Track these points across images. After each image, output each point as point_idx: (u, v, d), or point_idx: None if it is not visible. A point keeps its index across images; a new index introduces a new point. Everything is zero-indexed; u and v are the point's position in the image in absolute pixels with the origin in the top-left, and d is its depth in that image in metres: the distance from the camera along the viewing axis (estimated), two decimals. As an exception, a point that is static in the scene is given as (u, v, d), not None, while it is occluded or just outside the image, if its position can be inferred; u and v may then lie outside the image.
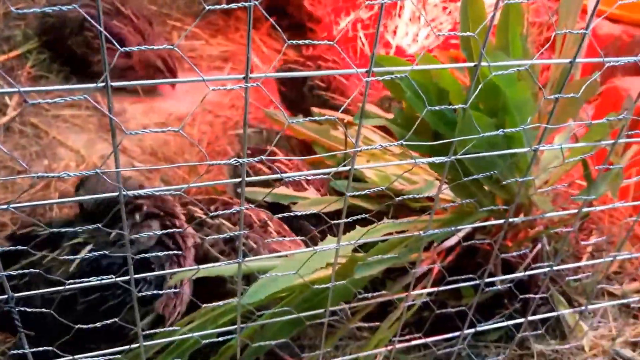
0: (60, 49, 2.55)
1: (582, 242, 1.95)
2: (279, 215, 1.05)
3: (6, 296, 0.91)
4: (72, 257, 1.26)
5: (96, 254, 1.00)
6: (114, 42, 0.77)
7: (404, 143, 0.98)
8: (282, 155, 1.83)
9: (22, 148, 2.17)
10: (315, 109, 1.95)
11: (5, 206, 0.81)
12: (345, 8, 2.62)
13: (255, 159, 0.92)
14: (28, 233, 1.40)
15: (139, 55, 2.43)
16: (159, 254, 1.24)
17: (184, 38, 2.90)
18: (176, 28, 2.95)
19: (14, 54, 2.56)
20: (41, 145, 2.20)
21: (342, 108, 0.93)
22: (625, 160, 1.72)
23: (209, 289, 1.43)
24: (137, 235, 1.00)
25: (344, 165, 0.98)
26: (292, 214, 1.04)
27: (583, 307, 1.68)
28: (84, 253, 1.30)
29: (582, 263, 1.86)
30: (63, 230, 1.04)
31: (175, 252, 1.35)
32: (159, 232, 1.22)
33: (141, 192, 0.96)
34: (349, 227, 1.49)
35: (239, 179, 0.95)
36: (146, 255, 1.03)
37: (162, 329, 1.15)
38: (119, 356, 1.06)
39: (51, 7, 0.68)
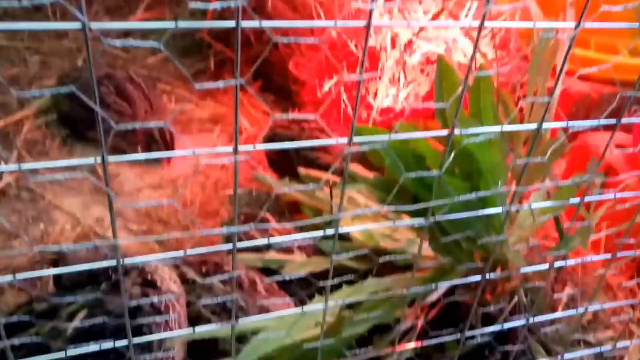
0: (72, 103, 2.56)
1: (556, 295, 1.97)
2: (269, 279, 1.08)
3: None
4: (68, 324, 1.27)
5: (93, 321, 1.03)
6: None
7: (386, 208, 1.02)
8: (273, 220, 1.85)
9: (18, 212, 2.18)
10: (302, 170, 1.98)
11: (10, 278, 0.83)
12: (328, 71, 2.69)
13: (246, 227, 0.96)
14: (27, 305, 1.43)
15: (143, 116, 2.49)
16: (155, 319, 1.26)
17: (175, 101, 2.95)
18: (166, 91, 3.00)
19: (10, 120, 2.58)
20: (37, 209, 2.21)
21: (321, 181, 0.96)
22: (597, 217, 1.77)
23: (203, 347, 1.44)
24: (133, 303, 1.02)
25: (330, 226, 1.01)
26: (281, 277, 1.07)
27: (560, 356, 1.70)
28: (78, 319, 1.32)
29: (558, 314, 1.88)
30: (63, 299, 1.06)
31: (166, 316, 1.37)
32: (155, 299, 1.24)
33: (138, 260, 0.98)
34: (336, 285, 1.52)
35: (230, 246, 0.98)
36: (142, 322, 1.05)
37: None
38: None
39: (51, 90, 0.72)
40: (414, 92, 2.54)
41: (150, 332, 1.35)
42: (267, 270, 1.67)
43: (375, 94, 2.53)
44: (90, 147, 2.58)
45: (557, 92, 1.76)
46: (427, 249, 1.63)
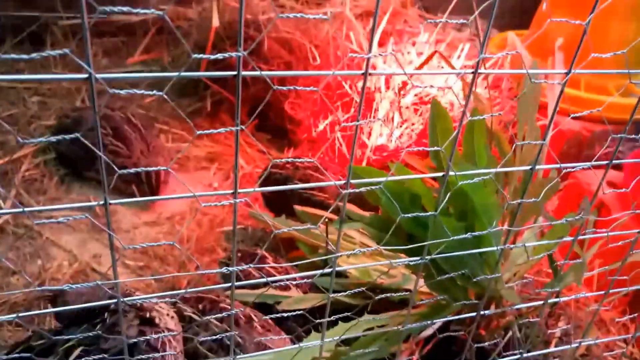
0: (68, 147, 2.59)
1: (550, 330, 1.98)
2: (267, 317, 1.09)
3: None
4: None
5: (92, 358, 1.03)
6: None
7: (382, 248, 1.03)
8: (271, 259, 1.86)
9: (15, 249, 2.18)
10: (298, 208, 2.00)
11: (12, 316, 0.84)
12: (323, 111, 2.72)
13: (244, 266, 0.97)
14: (25, 342, 1.43)
15: (135, 163, 2.50)
16: (153, 356, 1.26)
17: (171, 140, 2.97)
18: (164, 130, 3.03)
19: (8, 159, 2.59)
20: (34, 245, 2.21)
21: (319, 220, 0.98)
22: (591, 254, 1.78)
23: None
24: (131, 341, 1.02)
25: (326, 264, 1.02)
26: (278, 315, 1.07)
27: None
28: (74, 355, 1.32)
29: (552, 349, 1.89)
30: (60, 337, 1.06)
31: (163, 353, 1.37)
32: (152, 336, 1.24)
33: (137, 299, 0.99)
34: (333, 321, 1.52)
35: (229, 284, 0.99)
36: (140, 357, 1.05)
37: None
38: None
39: (55, 137, 0.74)
40: (407, 131, 2.57)
41: None
42: (263, 307, 1.68)
43: (370, 133, 2.56)
44: (88, 185, 2.59)
45: (550, 134, 1.79)
46: (422, 286, 1.64)
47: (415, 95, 2.60)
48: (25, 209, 0.77)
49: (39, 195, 2.46)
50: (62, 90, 3.18)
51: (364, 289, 1.11)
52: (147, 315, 1.44)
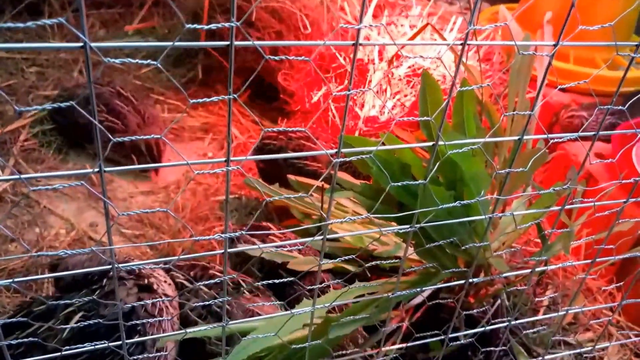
0: (66, 117, 2.59)
1: (538, 298, 2.00)
2: (267, 282, 1.10)
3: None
4: (65, 327, 1.29)
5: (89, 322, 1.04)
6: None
7: (372, 216, 1.04)
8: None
9: (14, 217, 2.19)
10: (291, 177, 2.00)
11: (8, 281, 0.85)
12: (317, 82, 2.71)
13: (237, 233, 0.97)
14: (27, 308, 1.44)
15: (133, 129, 2.49)
16: (150, 320, 1.27)
17: (167, 111, 2.96)
18: (159, 101, 3.02)
19: (7, 128, 2.59)
20: (32, 214, 2.22)
21: (310, 189, 0.98)
22: (578, 224, 1.79)
23: (192, 349, 1.46)
24: (128, 305, 1.03)
25: (320, 233, 1.03)
26: (266, 282, 1.09)
27: (541, 357, 1.72)
28: (74, 321, 1.33)
29: (539, 317, 1.91)
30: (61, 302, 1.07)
31: (160, 317, 1.39)
32: (149, 300, 1.25)
33: (133, 265, 1.00)
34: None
35: (222, 251, 0.99)
36: (137, 322, 1.06)
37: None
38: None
39: (52, 105, 0.74)
40: (399, 103, 2.56)
41: (145, 333, 1.37)
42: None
43: (362, 105, 2.55)
44: (84, 155, 2.59)
45: (538, 105, 1.79)
46: (413, 254, 1.66)
47: (409, 67, 2.59)
48: (22, 176, 0.77)
49: (36, 165, 2.46)
50: (60, 61, 3.16)
51: (354, 256, 1.12)
52: (145, 282, 1.45)
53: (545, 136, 1.16)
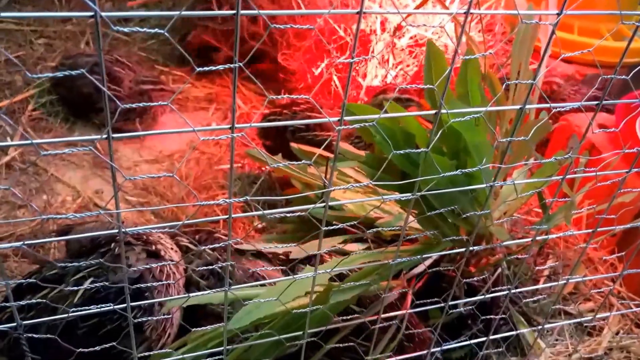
0: (69, 89, 2.60)
1: (538, 267, 2.01)
2: (269, 247, 1.11)
3: (16, 324, 0.95)
4: (75, 288, 1.31)
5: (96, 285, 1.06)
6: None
7: (374, 183, 1.05)
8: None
9: (22, 184, 2.22)
10: (294, 145, 1.99)
11: (18, 244, 0.86)
12: (319, 55, 2.70)
13: (242, 198, 0.98)
14: (35, 274, 1.46)
15: (128, 89, 2.50)
16: (154, 284, 1.29)
17: (172, 82, 2.96)
18: (164, 72, 3.02)
19: (16, 98, 2.61)
20: (40, 181, 2.25)
21: (313, 156, 0.99)
22: (581, 195, 1.79)
23: (194, 309, 1.49)
24: (134, 269, 1.04)
25: (321, 200, 1.04)
26: (270, 247, 1.10)
27: (541, 326, 1.74)
28: (85, 285, 1.36)
29: (540, 286, 1.92)
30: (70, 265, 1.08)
31: (167, 282, 1.41)
32: (156, 264, 1.27)
33: (139, 229, 1.01)
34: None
35: (227, 216, 1.00)
36: (143, 287, 1.08)
37: (155, 352, 1.20)
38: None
39: (62, 72, 0.74)
40: (402, 73, 2.55)
41: (152, 297, 1.39)
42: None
43: (365, 75, 2.54)
44: (89, 125, 2.61)
45: (541, 74, 1.78)
46: (413, 221, 1.67)
47: (411, 37, 2.57)
48: (34, 142, 0.78)
49: (44, 134, 2.48)
50: (67, 33, 3.19)
51: (356, 222, 1.13)
52: (153, 248, 1.47)
53: (547, 105, 1.16)
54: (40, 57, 2.96)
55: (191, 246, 1.60)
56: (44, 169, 2.30)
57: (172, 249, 1.52)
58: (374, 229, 1.26)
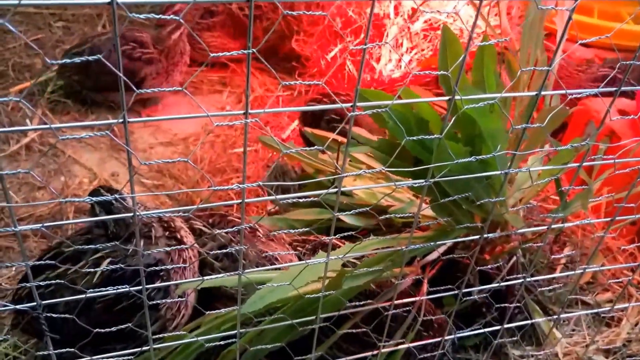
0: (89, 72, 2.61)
1: (555, 256, 2.00)
2: (284, 231, 1.13)
3: (35, 303, 0.99)
4: (94, 269, 1.35)
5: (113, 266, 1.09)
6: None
7: (386, 169, 1.06)
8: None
9: (41, 166, 2.27)
10: (307, 129, 2.00)
11: (39, 225, 0.89)
12: (333, 41, 2.71)
13: (255, 184, 1.00)
14: (55, 250, 1.49)
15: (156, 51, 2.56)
16: (171, 266, 1.33)
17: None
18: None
19: (35, 81, 2.68)
20: (58, 163, 2.30)
21: (325, 142, 0.99)
22: (599, 182, 1.78)
23: (209, 290, 1.52)
24: (150, 252, 1.07)
25: (334, 186, 1.05)
26: (286, 230, 1.12)
27: (556, 316, 1.74)
28: (104, 266, 1.39)
29: (556, 275, 1.92)
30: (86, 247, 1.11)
31: (182, 265, 1.44)
32: (172, 248, 1.30)
33: (153, 212, 1.03)
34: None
35: (239, 201, 1.02)
36: (157, 268, 1.10)
37: (169, 334, 1.23)
38: (131, 357, 1.13)
39: (74, 58, 0.76)
40: (416, 57, 2.55)
41: (169, 279, 1.42)
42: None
43: (379, 59, 2.55)
44: (104, 106, 2.66)
45: (557, 60, 1.77)
46: (428, 211, 1.67)
47: (425, 21, 2.57)
48: (52, 126, 0.80)
49: (62, 116, 2.53)
50: (85, 16, 3.24)
51: (368, 208, 1.14)
52: (177, 236, 1.51)
53: (563, 92, 1.16)
54: (59, 39, 3.02)
55: (205, 229, 1.63)
56: (62, 151, 2.35)
57: (190, 234, 1.56)
58: (387, 215, 1.27)
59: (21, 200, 2.07)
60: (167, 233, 1.50)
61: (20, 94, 2.59)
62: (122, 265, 1.37)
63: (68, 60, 0.76)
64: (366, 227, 1.75)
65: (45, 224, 0.89)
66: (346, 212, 1.08)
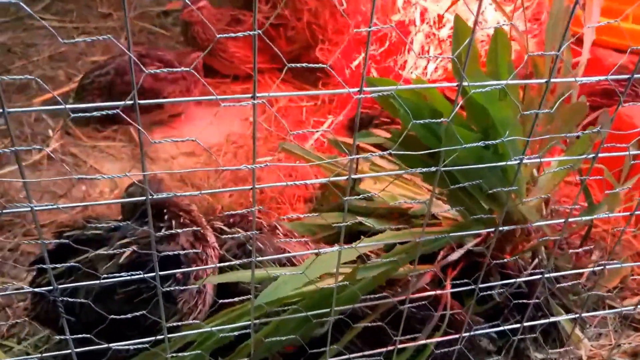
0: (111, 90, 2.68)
1: (576, 251, 1.98)
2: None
3: (52, 287, 1.03)
4: (113, 251, 1.40)
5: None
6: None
7: (395, 152, 1.09)
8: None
9: (62, 175, 2.33)
10: (329, 135, 2.04)
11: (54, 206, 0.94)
12: (357, 49, 2.75)
13: (263, 164, 1.04)
14: (81, 228, 1.55)
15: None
16: (189, 269, 1.37)
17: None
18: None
19: (58, 92, 2.77)
20: (80, 172, 2.37)
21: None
22: (628, 185, 1.78)
23: (227, 289, 1.56)
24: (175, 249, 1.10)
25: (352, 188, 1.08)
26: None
27: (578, 315, 1.73)
28: (128, 252, 1.45)
29: (582, 274, 1.90)
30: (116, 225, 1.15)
31: (205, 260, 1.50)
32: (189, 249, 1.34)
33: (165, 195, 1.08)
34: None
35: (250, 187, 1.06)
36: (178, 252, 1.13)
37: (185, 322, 1.26)
38: (147, 346, 1.16)
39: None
40: (442, 65, 2.58)
41: (189, 274, 1.49)
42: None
43: (404, 66, 2.58)
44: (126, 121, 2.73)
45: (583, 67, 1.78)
46: (446, 210, 1.69)
47: (451, 28, 2.60)
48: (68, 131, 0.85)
49: (83, 127, 2.61)
50: (108, 29, 3.34)
51: (387, 209, 1.17)
52: (201, 232, 1.56)
53: (573, 79, 1.18)
54: (82, 52, 3.13)
55: (225, 228, 1.68)
56: (84, 161, 2.42)
57: (213, 235, 1.62)
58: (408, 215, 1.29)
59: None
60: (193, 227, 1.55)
61: (42, 105, 2.68)
62: (135, 248, 1.41)
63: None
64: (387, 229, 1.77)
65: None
66: (356, 197, 1.10)
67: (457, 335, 1.48)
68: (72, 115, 0.88)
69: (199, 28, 2.91)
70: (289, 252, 1.60)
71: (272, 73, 3.11)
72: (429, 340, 1.49)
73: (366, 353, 1.42)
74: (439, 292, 1.46)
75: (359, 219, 1.70)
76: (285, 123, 2.76)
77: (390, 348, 1.44)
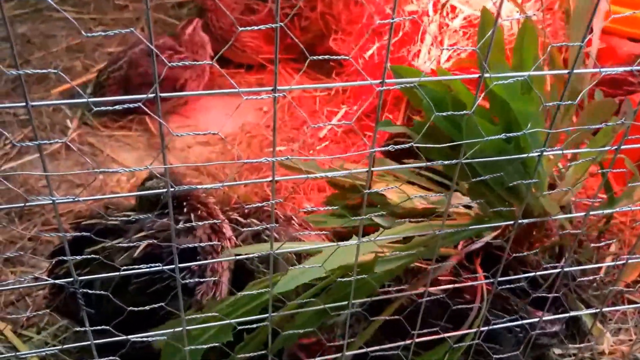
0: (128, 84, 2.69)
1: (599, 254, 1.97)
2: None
3: (72, 279, 1.03)
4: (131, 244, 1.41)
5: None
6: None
7: (416, 144, 1.08)
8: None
9: (80, 164, 2.36)
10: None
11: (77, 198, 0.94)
12: (371, 39, 2.74)
13: (284, 157, 1.04)
14: (93, 225, 1.55)
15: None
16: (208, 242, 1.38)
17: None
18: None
19: (75, 82, 2.79)
20: (97, 162, 2.40)
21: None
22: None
23: (241, 277, 1.56)
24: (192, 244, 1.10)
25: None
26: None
27: (599, 309, 1.72)
28: (144, 244, 1.46)
29: (602, 267, 1.89)
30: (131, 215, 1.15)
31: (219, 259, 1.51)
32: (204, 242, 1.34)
33: (186, 187, 1.08)
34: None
35: (269, 179, 1.06)
36: (196, 244, 1.14)
37: (202, 314, 1.26)
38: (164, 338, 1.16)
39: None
40: (455, 55, 2.56)
41: (205, 266, 1.50)
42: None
43: (417, 56, 2.56)
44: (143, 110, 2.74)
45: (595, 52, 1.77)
46: (459, 208, 1.68)
47: (464, 18, 2.58)
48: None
49: (100, 117, 2.62)
50: (124, 20, 3.35)
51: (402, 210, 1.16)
52: (218, 224, 1.57)
53: (595, 70, 1.17)
54: (99, 43, 3.14)
55: (241, 219, 1.68)
56: (100, 150, 2.44)
57: (229, 228, 1.62)
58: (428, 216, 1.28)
59: (61, 196, 2.15)
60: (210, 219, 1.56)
61: (61, 95, 2.70)
62: (153, 239, 1.42)
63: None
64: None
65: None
66: (371, 189, 1.09)
67: (474, 330, 1.47)
68: (95, 109, 0.87)
69: (213, 16, 2.91)
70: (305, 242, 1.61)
71: (286, 63, 3.10)
72: (446, 334, 1.48)
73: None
74: (456, 285, 1.45)
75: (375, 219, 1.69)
76: (304, 113, 2.76)
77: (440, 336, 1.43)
